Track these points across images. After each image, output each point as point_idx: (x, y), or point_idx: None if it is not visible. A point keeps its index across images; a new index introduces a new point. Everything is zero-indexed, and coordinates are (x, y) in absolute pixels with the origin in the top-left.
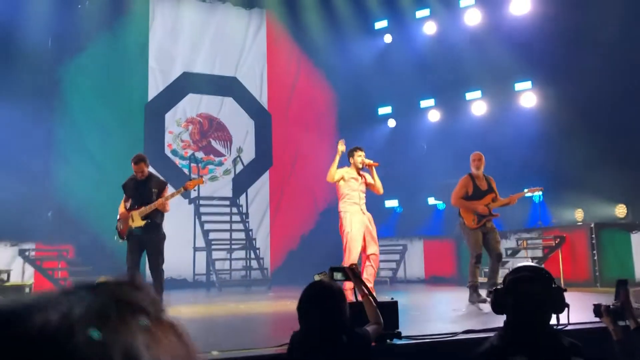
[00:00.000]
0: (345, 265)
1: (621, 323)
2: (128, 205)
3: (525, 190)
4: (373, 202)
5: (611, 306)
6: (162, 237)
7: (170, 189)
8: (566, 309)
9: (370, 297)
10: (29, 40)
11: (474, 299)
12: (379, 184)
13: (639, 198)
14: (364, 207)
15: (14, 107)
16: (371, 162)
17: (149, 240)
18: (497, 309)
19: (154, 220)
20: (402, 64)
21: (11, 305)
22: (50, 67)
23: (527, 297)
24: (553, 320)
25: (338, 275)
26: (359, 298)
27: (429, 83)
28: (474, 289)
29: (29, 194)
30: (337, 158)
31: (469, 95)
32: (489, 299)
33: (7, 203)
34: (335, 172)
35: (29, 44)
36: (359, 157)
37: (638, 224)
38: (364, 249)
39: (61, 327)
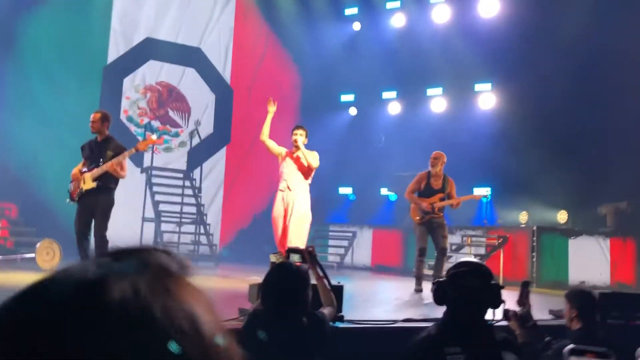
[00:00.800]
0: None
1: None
2: (84, 168)
3: (473, 194)
4: (326, 188)
5: (518, 312)
6: (110, 202)
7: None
8: (502, 305)
9: (325, 281)
10: None
11: (415, 287)
12: (309, 159)
13: (580, 205)
14: (291, 183)
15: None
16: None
17: (96, 203)
18: (438, 300)
19: (106, 184)
20: (368, 53)
21: (91, 274)
22: (6, 19)
23: (465, 290)
24: (489, 315)
25: (295, 257)
26: (314, 281)
27: (393, 75)
28: (417, 279)
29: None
30: (268, 118)
31: (430, 91)
32: (422, 289)
33: None
34: (265, 132)
35: None
36: (294, 136)
37: (576, 230)
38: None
39: (133, 296)
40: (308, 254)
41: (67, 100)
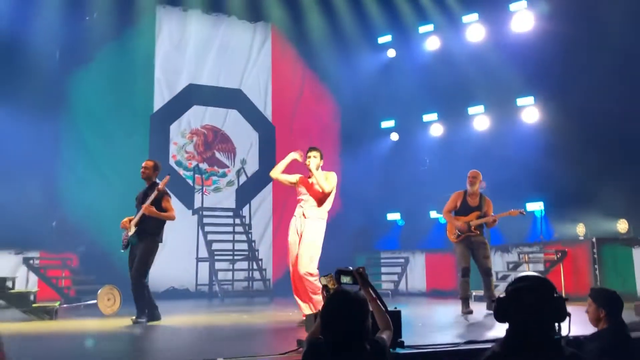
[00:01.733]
0: (351, 269)
1: None
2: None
3: (511, 210)
4: (374, 215)
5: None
6: (149, 247)
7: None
8: (568, 318)
9: (379, 302)
10: (37, 52)
11: (463, 310)
12: (321, 183)
13: None
14: (306, 210)
15: (22, 117)
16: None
17: (137, 247)
18: (499, 317)
19: (145, 229)
20: (405, 78)
21: None
22: (58, 78)
23: (528, 305)
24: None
25: (345, 279)
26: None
27: (432, 97)
28: (462, 301)
29: (34, 203)
30: (287, 159)
31: (471, 110)
32: (473, 311)
33: (12, 211)
34: (278, 169)
35: (37, 56)
36: (307, 159)
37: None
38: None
39: None
40: (359, 275)
41: (118, 150)
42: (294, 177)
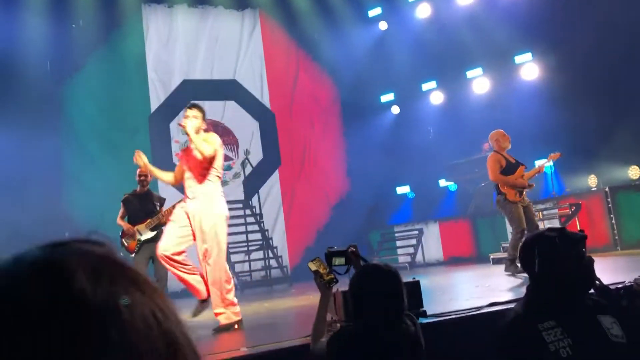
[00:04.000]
0: (343, 249)
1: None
2: (124, 220)
3: (550, 155)
4: (384, 190)
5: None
6: None
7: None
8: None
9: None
10: (28, 67)
11: (513, 270)
12: (200, 147)
13: None
14: (189, 189)
15: (21, 132)
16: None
17: (155, 251)
18: (528, 262)
19: (160, 233)
20: (400, 50)
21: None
22: (52, 89)
23: (553, 259)
24: None
25: (338, 261)
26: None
27: (429, 66)
28: (512, 261)
29: (45, 218)
30: (154, 170)
31: (470, 74)
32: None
33: (24, 230)
34: (166, 178)
35: (28, 70)
36: (185, 119)
37: None
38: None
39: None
40: (353, 254)
41: (119, 154)
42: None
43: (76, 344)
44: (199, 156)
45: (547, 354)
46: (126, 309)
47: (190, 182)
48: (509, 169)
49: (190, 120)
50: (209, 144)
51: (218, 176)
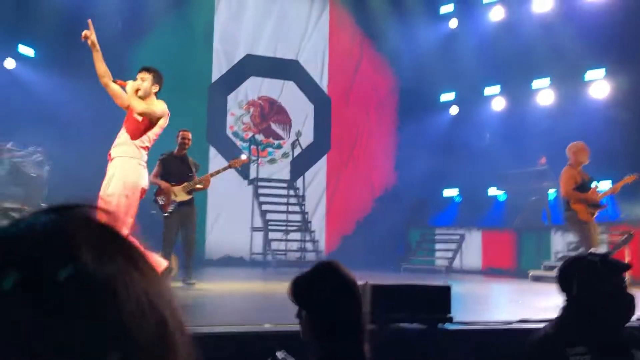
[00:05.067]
0: None
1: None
2: (159, 180)
3: (627, 176)
4: (430, 190)
5: None
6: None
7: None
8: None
9: None
10: (101, 23)
11: None
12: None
13: None
14: (113, 149)
15: (87, 85)
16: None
17: (189, 213)
18: (563, 284)
19: (192, 196)
20: (467, 50)
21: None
22: (121, 48)
23: (592, 284)
24: None
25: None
26: None
27: (495, 70)
28: None
29: (98, 169)
30: (95, 54)
31: (536, 84)
32: None
33: (79, 176)
34: (101, 69)
35: (100, 26)
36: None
37: None
38: None
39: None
40: None
41: (177, 120)
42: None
43: (73, 320)
44: (137, 118)
45: None
46: (124, 289)
47: (119, 140)
48: (583, 186)
49: (135, 81)
50: (143, 104)
51: (147, 146)
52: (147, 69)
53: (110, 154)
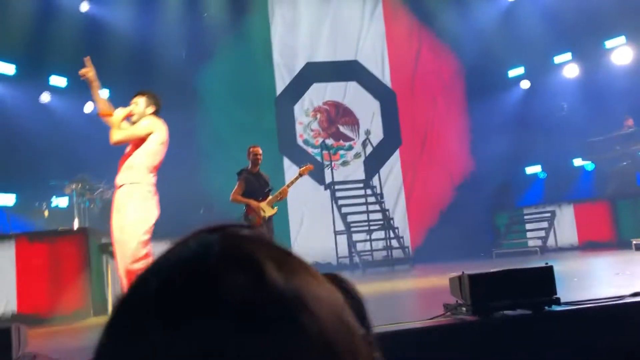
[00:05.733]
0: None
1: None
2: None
3: None
4: (512, 171)
5: None
6: None
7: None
8: None
9: None
10: (166, 54)
11: None
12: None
13: None
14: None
15: (162, 116)
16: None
17: (272, 227)
18: None
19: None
20: (530, 21)
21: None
22: (187, 75)
23: None
24: None
25: None
26: None
27: (562, 36)
28: None
29: (182, 194)
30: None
31: (609, 43)
32: None
33: (165, 203)
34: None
35: (166, 58)
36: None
37: None
38: None
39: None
40: None
41: (248, 136)
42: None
43: (277, 336)
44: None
45: None
46: (315, 300)
47: (124, 166)
48: None
49: (127, 107)
50: (118, 133)
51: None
52: (141, 93)
53: (115, 182)
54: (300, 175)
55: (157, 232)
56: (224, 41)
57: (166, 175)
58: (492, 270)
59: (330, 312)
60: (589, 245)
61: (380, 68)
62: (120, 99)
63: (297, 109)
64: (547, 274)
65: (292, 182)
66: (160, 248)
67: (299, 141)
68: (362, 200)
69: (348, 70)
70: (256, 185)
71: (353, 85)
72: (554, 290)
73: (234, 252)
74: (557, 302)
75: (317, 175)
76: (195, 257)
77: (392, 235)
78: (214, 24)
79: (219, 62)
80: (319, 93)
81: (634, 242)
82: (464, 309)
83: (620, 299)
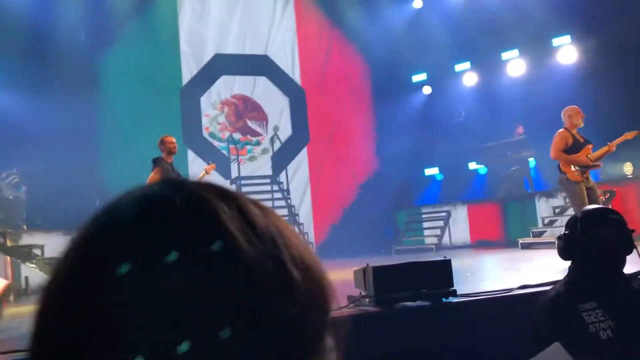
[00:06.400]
0: None
1: None
2: None
3: (626, 133)
4: (412, 171)
5: None
6: None
7: None
8: (635, 250)
9: None
10: (64, 37)
11: None
12: None
13: None
14: None
15: (56, 101)
16: None
17: None
18: (566, 255)
19: None
20: (434, 29)
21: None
22: (86, 60)
23: (602, 239)
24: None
25: None
26: None
27: (463, 46)
28: None
29: (76, 184)
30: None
31: (505, 55)
32: None
33: (58, 193)
34: None
35: (64, 40)
36: None
37: None
38: None
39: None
40: None
41: (150, 126)
42: None
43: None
44: None
45: (587, 335)
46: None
47: None
48: (575, 147)
49: None
50: None
51: None
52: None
53: None
54: (206, 172)
55: (52, 223)
56: (129, 27)
57: (60, 164)
58: (394, 263)
59: (270, 238)
60: (480, 243)
61: (291, 65)
62: (12, 82)
63: (204, 100)
64: (446, 266)
65: (200, 179)
66: (53, 239)
67: (205, 134)
68: (269, 195)
69: (258, 65)
70: (173, 175)
71: (262, 80)
72: (451, 283)
73: (187, 192)
74: (454, 293)
75: (223, 169)
76: (163, 195)
77: (297, 230)
78: (118, 8)
79: (122, 48)
80: (227, 86)
81: (520, 241)
82: (367, 300)
83: (509, 291)
